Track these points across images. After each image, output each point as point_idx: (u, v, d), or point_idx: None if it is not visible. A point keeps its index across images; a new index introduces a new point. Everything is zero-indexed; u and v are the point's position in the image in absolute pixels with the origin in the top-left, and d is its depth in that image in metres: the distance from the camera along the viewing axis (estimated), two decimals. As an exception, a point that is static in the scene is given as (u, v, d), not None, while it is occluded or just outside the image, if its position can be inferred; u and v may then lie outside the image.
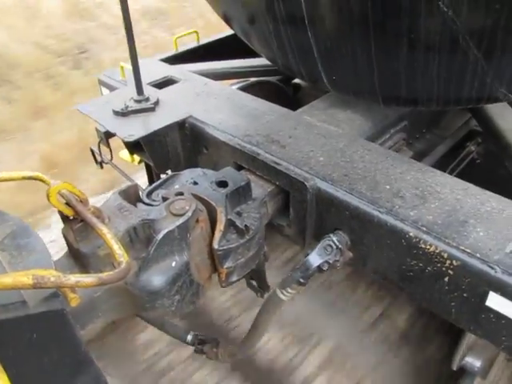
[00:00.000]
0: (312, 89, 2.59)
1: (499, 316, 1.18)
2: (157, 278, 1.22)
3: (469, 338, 1.78)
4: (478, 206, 1.34)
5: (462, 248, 1.20)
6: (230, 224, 1.33)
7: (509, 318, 1.16)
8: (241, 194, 1.39)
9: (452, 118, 2.58)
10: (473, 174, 2.58)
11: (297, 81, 2.84)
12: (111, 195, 1.30)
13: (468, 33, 1.32)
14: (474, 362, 1.88)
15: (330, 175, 1.45)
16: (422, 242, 1.25)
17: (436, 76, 1.48)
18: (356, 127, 1.87)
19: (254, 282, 1.63)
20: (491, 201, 1.36)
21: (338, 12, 1.49)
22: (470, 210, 1.32)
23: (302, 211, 1.48)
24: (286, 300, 1.40)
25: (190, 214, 1.24)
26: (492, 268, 1.16)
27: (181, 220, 1.23)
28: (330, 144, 1.62)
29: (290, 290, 1.38)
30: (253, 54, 2.34)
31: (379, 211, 1.31)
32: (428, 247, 1.23)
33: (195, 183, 1.42)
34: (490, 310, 1.19)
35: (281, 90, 2.79)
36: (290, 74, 2.04)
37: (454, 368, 1.90)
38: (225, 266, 1.33)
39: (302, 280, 1.36)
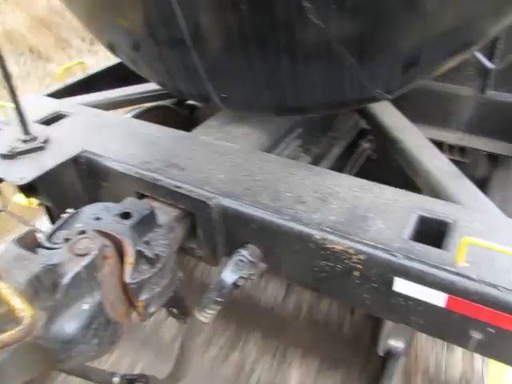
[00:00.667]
0: (207, 108, 2.62)
1: (407, 298, 1.26)
2: (69, 324, 1.15)
3: (388, 323, 1.88)
4: (374, 200, 1.42)
5: (366, 242, 1.27)
6: (140, 255, 1.30)
7: (415, 299, 1.24)
8: (146, 223, 1.36)
9: (343, 120, 2.73)
10: (370, 170, 2.75)
11: (191, 102, 2.86)
12: (6, 246, 1.21)
13: (340, 42, 1.40)
14: (397, 343, 1.99)
15: (232, 191, 1.47)
16: (328, 242, 1.30)
17: (319, 83, 1.55)
18: (252, 141, 1.91)
19: (175, 310, 1.60)
20: (386, 193, 1.45)
21: (219, 31, 1.52)
22: (368, 205, 1.40)
23: (210, 231, 1.48)
24: (208, 321, 1.39)
25: (95, 252, 1.19)
26: (394, 256, 1.23)
27: (86, 260, 1.17)
28: (229, 160, 1.64)
29: (209, 311, 1.37)
30: (143, 80, 2.31)
31: (284, 219, 1.35)
32: (335, 246, 1.29)
33: (98, 219, 1.36)
34: (398, 294, 1.27)
35: (175, 113, 2.78)
36: (181, 96, 2.04)
37: (381, 353, 1.99)
38: (141, 299, 1.29)
39: (219, 299, 1.35)
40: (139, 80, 2.34)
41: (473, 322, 1.21)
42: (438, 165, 1.83)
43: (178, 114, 2.80)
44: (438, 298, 1.22)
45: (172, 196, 1.50)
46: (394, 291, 1.27)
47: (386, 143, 2.17)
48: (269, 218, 1.37)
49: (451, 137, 2.65)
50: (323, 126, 2.56)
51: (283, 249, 1.38)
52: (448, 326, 1.25)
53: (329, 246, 1.30)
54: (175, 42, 1.62)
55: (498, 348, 1.22)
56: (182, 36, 1.56)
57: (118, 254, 1.29)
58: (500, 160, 2.73)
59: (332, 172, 1.57)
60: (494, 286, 1.15)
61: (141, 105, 2.69)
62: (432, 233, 1.31)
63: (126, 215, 1.35)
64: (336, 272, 1.33)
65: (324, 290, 1.40)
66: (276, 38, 1.44)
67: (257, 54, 1.52)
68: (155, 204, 1.52)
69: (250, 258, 1.38)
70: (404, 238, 1.28)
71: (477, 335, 1.22)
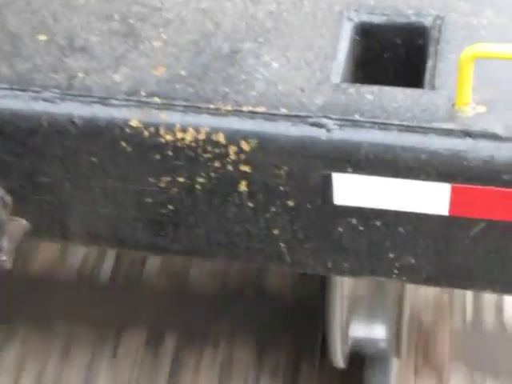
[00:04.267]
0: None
1: (361, 216, 0.65)
2: None
3: (337, 291, 1.16)
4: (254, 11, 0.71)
5: (251, 110, 0.62)
6: None
7: (380, 213, 0.64)
8: None
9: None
10: None
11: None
12: None
13: None
14: (372, 330, 1.24)
15: None
16: (167, 130, 0.62)
17: None
18: None
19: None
20: None
21: None
22: (240, 22, 0.69)
23: None
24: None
25: None
26: (320, 125, 0.61)
27: None
28: None
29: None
30: None
31: (44, 99, 0.63)
32: (178, 138, 0.62)
33: None
34: (340, 210, 0.65)
35: None
36: None
37: (341, 365, 1.25)
38: None
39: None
40: None
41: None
42: None
43: None
44: (436, 198, 0.61)
45: None
46: (335, 207, 0.63)
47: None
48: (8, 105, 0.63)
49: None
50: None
51: (58, 163, 0.65)
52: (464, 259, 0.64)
53: (167, 138, 0.61)
54: None
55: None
56: None
57: None
58: None
59: None
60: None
61: None
62: (392, 57, 0.65)
63: None
64: (196, 198, 0.64)
65: (174, 249, 0.71)
66: None
67: None
68: None
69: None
70: (334, 82, 0.63)
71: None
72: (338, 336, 1.06)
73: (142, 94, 0.62)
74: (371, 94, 0.62)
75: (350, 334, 1.16)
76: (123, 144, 0.62)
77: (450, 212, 0.61)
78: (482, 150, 0.58)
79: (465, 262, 0.63)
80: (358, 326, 1.15)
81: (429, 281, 0.67)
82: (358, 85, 0.63)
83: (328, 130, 0.60)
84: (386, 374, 1.23)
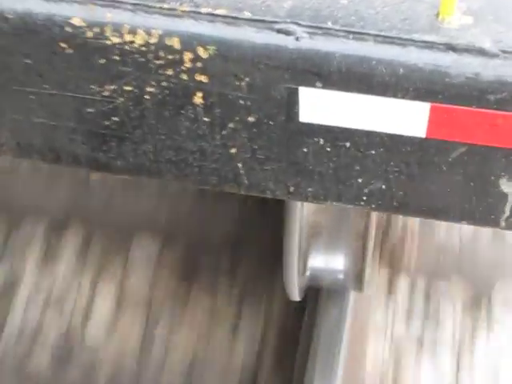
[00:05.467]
0: None
1: (334, 136, 0.59)
2: None
3: (295, 218, 1.13)
4: None
5: (204, 11, 0.56)
6: None
7: (350, 132, 0.59)
8: None
9: None
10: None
11: None
12: None
13: None
14: (331, 262, 1.25)
15: None
16: (112, 29, 0.56)
17: None
18: None
19: None
20: None
21: None
22: None
23: None
24: None
25: None
26: (280, 31, 0.56)
27: None
28: None
29: None
30: None
31: None
32: (124, 40, 0.56)
33: None
34: (308, 129, 0.60)
35: None
36: None
37: (297, 297, 1.24)
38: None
39: None
40: None
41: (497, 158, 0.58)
42: None
43: None
44: (413, 118, 0.56)
45: None
46: (301, 125, 0.58)
47: None
48: None
49: None
50: None
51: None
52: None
53: (113, 40, 0.56)
54: None
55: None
56: None
57: None
58: None
59: None
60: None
61: None
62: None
63: None
64: (144, 110, 0.60)
65: (117, 166, 0.66)
66: None
67: None
68: None
69: None
70: None
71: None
72: (296, 267, 1.03)
73: (86, -12, 0.57)
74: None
75: (308, 265, 1.13)
76: (63, 45, 0.56)
77: (427, 134, 0.56)
78: (467, 66, 0.53)
79: (440, 189, 0.59)
80: (316, 257, 1.12)
81: (399, 209, 0.63)
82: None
83: (296, 38, 0.54)
84: (341, 308, 1.22)
